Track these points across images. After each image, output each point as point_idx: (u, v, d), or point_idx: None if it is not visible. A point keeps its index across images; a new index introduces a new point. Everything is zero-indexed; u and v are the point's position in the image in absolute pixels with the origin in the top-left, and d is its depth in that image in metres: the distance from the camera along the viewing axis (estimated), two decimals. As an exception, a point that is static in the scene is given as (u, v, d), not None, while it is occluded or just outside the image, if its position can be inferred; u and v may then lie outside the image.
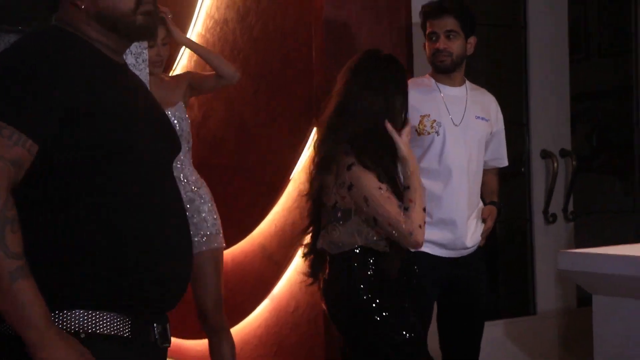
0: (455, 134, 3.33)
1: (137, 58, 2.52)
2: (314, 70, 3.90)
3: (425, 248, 3.16)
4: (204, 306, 3.60)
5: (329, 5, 3.79)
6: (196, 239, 3.53)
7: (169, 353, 4.58)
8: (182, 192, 3.52)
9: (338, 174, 2.78)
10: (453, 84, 3.41)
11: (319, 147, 2.87)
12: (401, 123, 2.83)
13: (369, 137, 2.78)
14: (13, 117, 1.66)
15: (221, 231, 3.65)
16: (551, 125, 4.47)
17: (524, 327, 4.39)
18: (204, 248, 3.56)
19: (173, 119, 3.58)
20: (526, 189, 4.46)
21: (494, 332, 4.34)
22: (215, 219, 3.63)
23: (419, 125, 3.31)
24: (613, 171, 5.51)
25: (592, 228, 4.94)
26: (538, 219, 4.43)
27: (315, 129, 2.95)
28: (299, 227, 3.98)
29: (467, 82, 3.47)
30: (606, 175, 5.50)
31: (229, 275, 4.46)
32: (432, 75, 3.43)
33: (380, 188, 2.72)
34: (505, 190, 4.67)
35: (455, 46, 3.34)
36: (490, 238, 3.53)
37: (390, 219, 2.70)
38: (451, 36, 3.33)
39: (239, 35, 4.31)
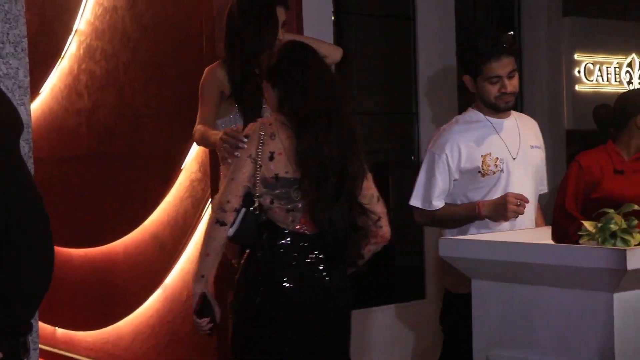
0: (516, 168, 3.14)
1: (15, 47, 2.45)
2: (205, 60, 3.89)
3: None
4: None
5: (219, -5, 3.79)
6: None
7: (61, 346, 4.50)
8: None
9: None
10: (503, 116, 3.18)
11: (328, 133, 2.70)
12: None
13: None
14: None
15: None
16: (440, 114, 4.57)
17: (413, 311, 4.52)
18: None
19: None
20: (416, 177, 4.55)
21: (385, 316, 4.45)
22: None
23: (482, 166, 3.10)
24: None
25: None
26: (426, 206, 4.54)
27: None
28: (191, 216, 4.00)
29: (512, 111, 3.23)
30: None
31: (120, 265, 4.43)
32: (479, 109, 3.19)
33: None
34: (395, 178, 4.77)
35: (516, 83, 3.13)
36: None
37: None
38: (511, 75, 3.10)
39: (128, 23, 4.26)
